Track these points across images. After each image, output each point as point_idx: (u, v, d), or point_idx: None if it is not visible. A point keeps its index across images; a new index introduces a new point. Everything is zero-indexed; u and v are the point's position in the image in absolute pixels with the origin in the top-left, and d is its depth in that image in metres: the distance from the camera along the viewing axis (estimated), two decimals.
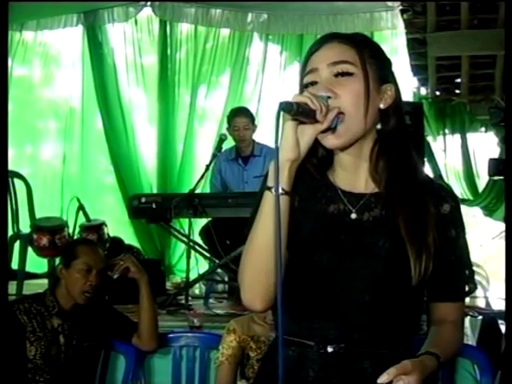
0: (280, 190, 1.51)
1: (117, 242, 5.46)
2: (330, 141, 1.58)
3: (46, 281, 5.00)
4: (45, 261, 5.10)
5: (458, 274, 1.67)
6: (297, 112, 1.47)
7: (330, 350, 1.59)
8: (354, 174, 1.66)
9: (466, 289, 1.69)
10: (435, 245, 1.59)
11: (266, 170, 1.61)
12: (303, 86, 1.62)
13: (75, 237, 4.89)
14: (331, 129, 1.55)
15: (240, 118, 5.43)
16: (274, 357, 1.62)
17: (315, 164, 1.67)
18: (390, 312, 1.60)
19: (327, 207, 1.65)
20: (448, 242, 1.64)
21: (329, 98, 1.53)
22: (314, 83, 1.59)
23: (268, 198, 1.52)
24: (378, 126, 1.64)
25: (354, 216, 1.63)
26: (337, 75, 1.58)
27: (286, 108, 1.46)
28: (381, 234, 1.60)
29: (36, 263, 5.45)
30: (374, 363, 1.57)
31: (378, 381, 1.48)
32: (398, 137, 1.64)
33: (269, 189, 1.52)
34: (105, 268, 3.20)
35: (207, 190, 5.94)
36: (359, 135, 1.60)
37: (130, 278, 3.24)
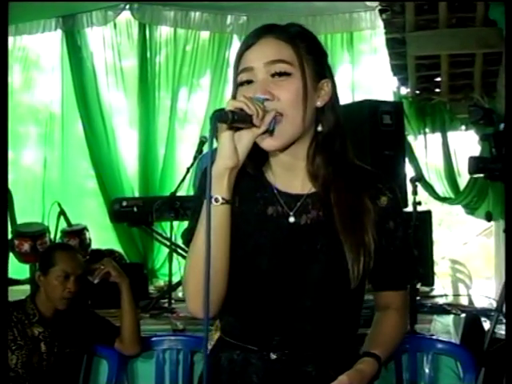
0: (221, 200, 1.48)
1: (97, 253, 5.40)
2: (267, 143, 1.54)
3: (28, 287, 4.96)
4: (27, 267, 5.06)
5: (399, 263, 1.66)
6: (232, 120, 1.42)
7: (273, 356, 1.57)
8: (290, 174, 1.63)
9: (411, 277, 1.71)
10: (375, 242, 1.58)
11: None
12: (238, 85, 1.58)
13: (57, 242, 4.86)
14: (269, 131, 1.51)
15: None
16: (215, 359, 1.63)
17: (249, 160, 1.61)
18: (331, 315, 1.59)
19: (266, 209, 1.62)
20: (386, 234, 1.62)
21: (266, 99, 1.49)
22: (249, 82, 1.55)
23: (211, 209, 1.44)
24: (319, 129, 1.60)
25: (292, 220, 1.60)
26: (274, 75, 1.54)
27: (220, 118, 1.41)
28: (319, 237, 1.57)
29: (18, 269, 5.39)
30: (318, 366, 1.55)
31: None
32: (335, 135, 1.61)
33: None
34: (84, 274, 3.18)
35: (190, 193, 5.92)
36: (297, 136, 1.57)
37: (111, 282, 3.22)
